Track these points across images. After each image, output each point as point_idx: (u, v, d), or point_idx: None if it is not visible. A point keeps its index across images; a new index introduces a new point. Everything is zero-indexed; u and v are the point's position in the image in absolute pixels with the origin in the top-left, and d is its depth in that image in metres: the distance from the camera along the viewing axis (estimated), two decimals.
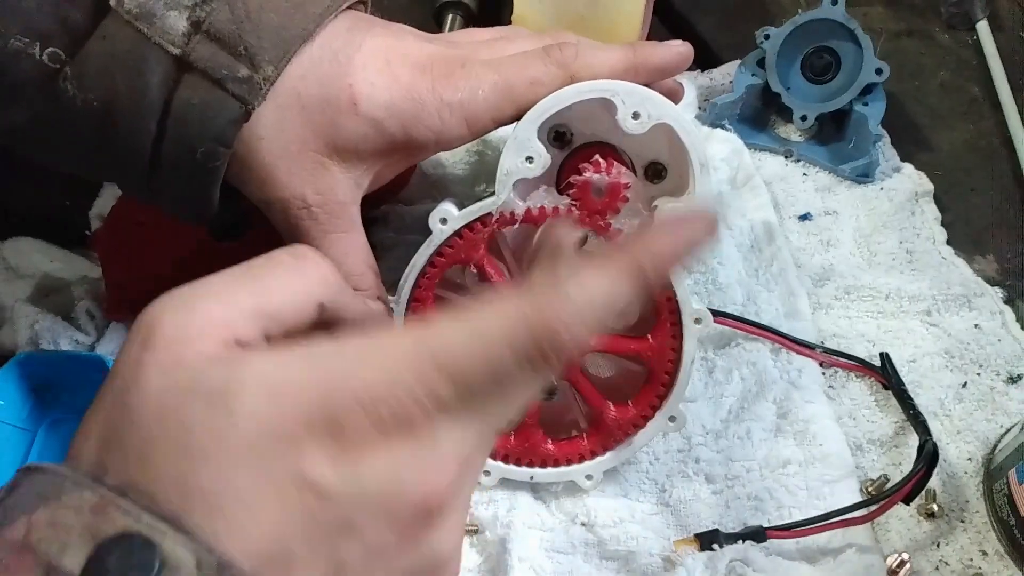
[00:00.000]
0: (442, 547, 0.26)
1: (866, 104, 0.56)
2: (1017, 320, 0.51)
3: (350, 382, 0.24)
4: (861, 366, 0.49)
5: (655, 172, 0.42)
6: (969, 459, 0.47)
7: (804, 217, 0.56)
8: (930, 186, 0.56)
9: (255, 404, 0.24)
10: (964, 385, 0.49)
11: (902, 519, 0.45)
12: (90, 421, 0.25)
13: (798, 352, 0.49)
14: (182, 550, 0.22)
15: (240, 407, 0.24)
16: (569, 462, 0.45)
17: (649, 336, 0.43)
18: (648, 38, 0.54)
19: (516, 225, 0.41)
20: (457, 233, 0.41)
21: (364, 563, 0.25)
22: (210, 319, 0.25)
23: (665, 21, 0.64)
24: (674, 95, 0.44)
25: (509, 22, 0.53)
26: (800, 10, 0.57)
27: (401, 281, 0.42)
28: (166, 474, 0.23)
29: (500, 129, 0.41)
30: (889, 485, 0.45)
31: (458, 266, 0.42)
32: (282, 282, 0.28)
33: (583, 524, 0.45)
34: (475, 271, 0.42)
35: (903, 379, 0.48)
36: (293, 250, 0.29)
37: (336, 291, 0.29)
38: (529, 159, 0.40)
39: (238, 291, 0.27)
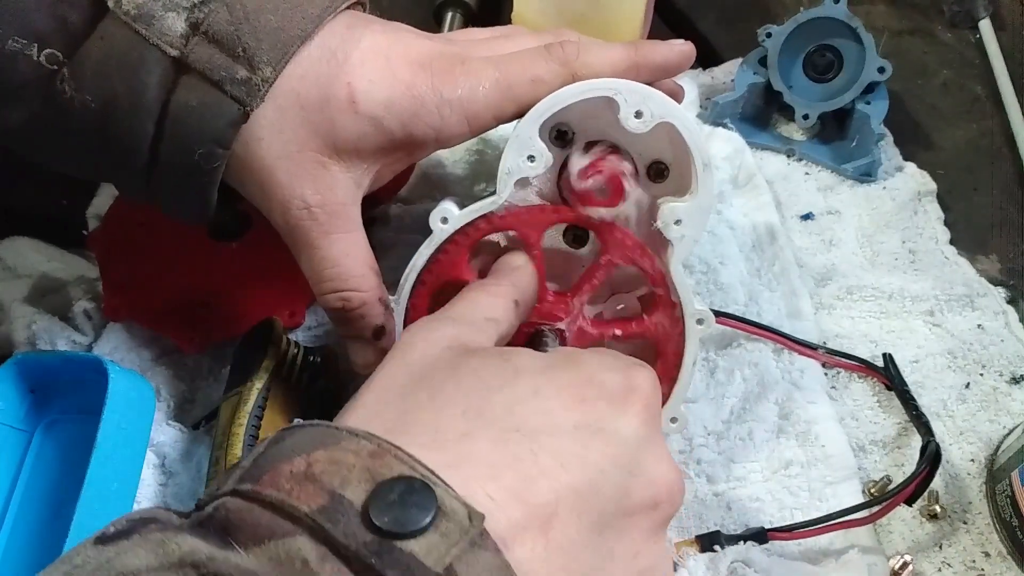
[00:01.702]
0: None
1: (868, 103, 0.56)
2: (1020, 320, 0.51)
3: None
4: (863, 367, 0.49)
5: (657, 171, 0.42)
6: (972, 460, 0.47)
7: (806, 216, 0.55)
8: (933, 185, 0.56)
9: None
10: (967, 386, 0.48)
11: (905, 520, 0.45)
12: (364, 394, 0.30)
13: (800, 352, 0.49)
14: (456, 502, 0.24)
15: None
16: None
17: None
18: (649, 37, 0.53)
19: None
20: (458, 232, 0.41)
21: None
22: None
23: (666, 19, 0.64)
24: (674, 96, 0.43)
25: (509, 21, 0.52)
26: (802, 8, 0.57)
27: (401, 281, 0.42)
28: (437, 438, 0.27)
29: (501, 128, 0.41)
30: (891, 486, 0.44)
31: None
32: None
33: None
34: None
35: (906, 380, 0.48)
36: None
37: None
38: (530, 158, 0.39)
39: None
